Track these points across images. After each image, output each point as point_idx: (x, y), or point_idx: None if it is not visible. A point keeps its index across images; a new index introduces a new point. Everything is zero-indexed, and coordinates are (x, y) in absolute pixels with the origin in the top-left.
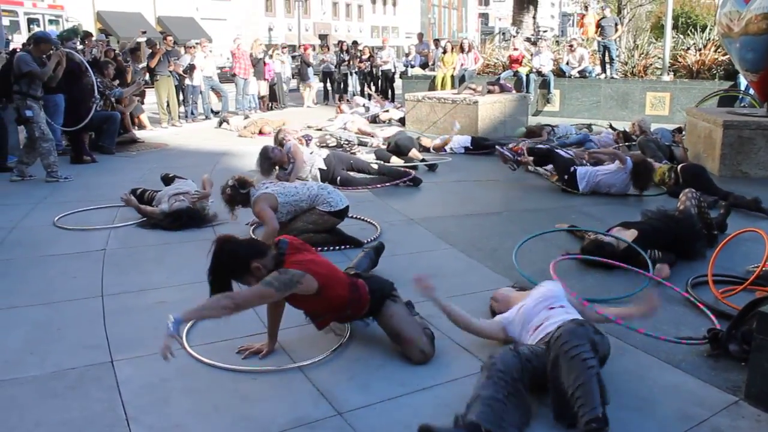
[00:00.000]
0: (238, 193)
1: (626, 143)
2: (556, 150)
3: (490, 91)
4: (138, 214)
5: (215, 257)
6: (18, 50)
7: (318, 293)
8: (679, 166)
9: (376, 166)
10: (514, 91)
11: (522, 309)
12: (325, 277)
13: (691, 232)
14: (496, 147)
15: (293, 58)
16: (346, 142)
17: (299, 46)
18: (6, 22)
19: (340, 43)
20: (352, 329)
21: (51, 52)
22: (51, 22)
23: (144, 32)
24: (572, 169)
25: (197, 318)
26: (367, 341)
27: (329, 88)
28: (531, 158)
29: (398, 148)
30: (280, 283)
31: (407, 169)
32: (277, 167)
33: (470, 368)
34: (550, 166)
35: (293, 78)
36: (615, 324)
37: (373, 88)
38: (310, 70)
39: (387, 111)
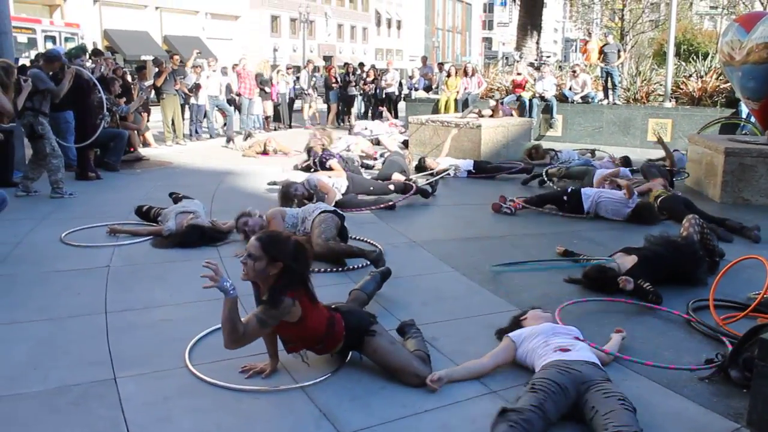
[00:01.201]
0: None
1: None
2: (546, 193)
3: (492, 112)
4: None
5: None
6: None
7: (297, 322)
8: (658, 201)
9: (392, 187)
10: (514, 114)
11: (542, 325)
12: (308, 310)
13: (693, 259)
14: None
15: (298, 79)
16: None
17: (305, 66)
18: (24, 39)
19: (346, 65)
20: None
21: (66, 69)
22: (67, 39)
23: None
24: (570, 189)
25: (227, 312)
26: (369, 362)
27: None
28: (530, 206)
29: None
30: (273, 319)
31: (409, 184)
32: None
33: (473, 391)
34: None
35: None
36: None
37: (391, 111)
38: (333, 93)
39: (390, 134)
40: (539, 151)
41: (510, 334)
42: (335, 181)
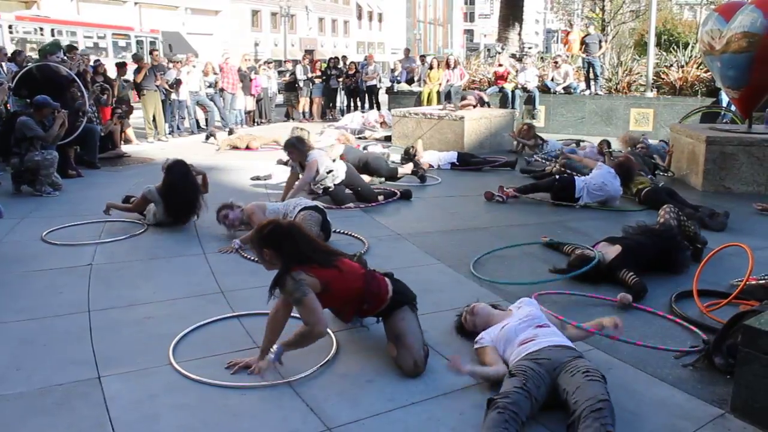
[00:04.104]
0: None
1: (609, 149)
2: (537, 182)
3: (463, 107)
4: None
5: (291, 233)
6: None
7: (324, 290)
8: (643, 193)
9: (382, 198)
10: (483, 96)
11: (505, 328)
12: (327, 276)
13: (674, 244)
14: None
15: (280, 73)
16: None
17: (285, 61)
18: (122, 43)
19: (331, 59)
20: (340, 342)
21: (56, 114)
22: (152, 43)
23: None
24: (559, 176)
25: (296, 348)
26: (357, 356)
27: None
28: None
29: (377, 170)
30: (297, 292)
31: (394, 189)
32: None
33: (460, 382)
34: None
35: (279, 93)
36: (618, 340)
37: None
38: (316, 87)
39: (373, 127)
40: (530, 131)
41: (488, 341)
42: (336, 167)
